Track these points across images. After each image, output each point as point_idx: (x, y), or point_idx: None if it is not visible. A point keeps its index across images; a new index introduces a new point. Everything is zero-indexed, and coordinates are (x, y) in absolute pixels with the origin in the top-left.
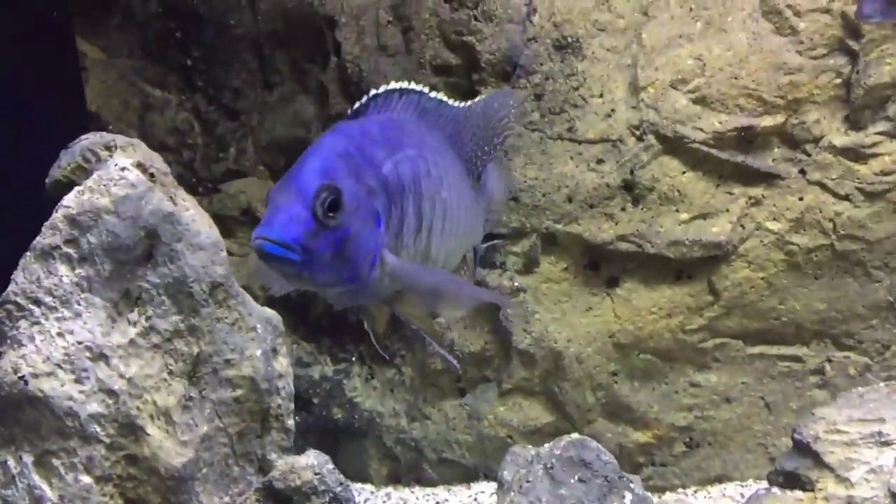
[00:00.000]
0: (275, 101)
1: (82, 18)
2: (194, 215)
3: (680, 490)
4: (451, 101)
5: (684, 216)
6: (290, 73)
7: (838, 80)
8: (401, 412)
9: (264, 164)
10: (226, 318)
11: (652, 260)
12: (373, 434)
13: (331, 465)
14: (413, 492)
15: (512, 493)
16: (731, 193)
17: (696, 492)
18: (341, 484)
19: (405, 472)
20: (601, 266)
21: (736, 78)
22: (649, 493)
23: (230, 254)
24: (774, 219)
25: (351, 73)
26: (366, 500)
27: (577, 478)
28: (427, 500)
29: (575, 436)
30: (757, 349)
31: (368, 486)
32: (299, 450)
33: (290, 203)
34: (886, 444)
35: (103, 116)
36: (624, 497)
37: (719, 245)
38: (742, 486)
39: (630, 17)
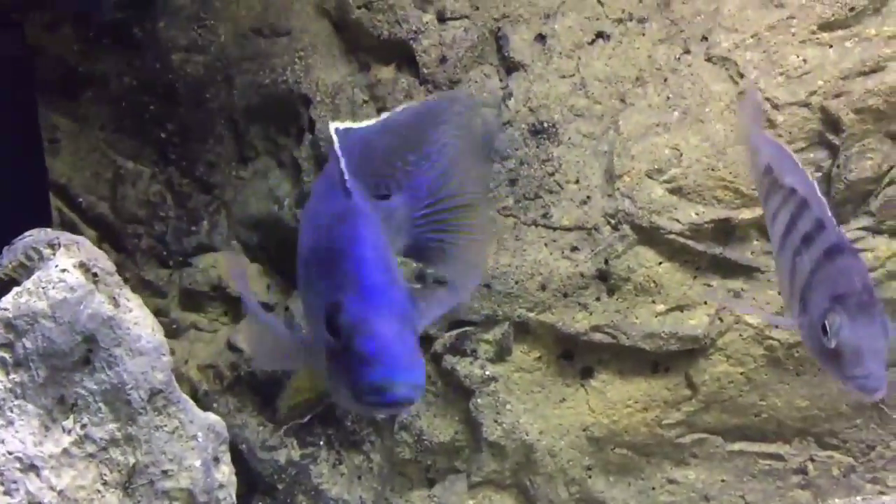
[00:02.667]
0: (249, 175)
1: (54, 90)
2: (137, 317)
3: None
4: (361, 124)
5: (660, 308)
6: (265, 148)
7: (818, 175)
8: (367, 501)
9: (237, 239)
10: (165, 426)
11: (627, 352)
12: None
13: None
14: None
15: None
16: (709, 285)
17: None
18: None
19: None
20: (575, 356)
21: (713, 169)
22: None
23: (199, 329)
24: None
25: (325, 151)
26: None
27: None
28: None
29: None
30: (737, 446)
31: None
32: None
33: (402, 333)
34: None
35: (73, 187)
36: None
37: (696, 338)
38: None
39: (607, 104)
